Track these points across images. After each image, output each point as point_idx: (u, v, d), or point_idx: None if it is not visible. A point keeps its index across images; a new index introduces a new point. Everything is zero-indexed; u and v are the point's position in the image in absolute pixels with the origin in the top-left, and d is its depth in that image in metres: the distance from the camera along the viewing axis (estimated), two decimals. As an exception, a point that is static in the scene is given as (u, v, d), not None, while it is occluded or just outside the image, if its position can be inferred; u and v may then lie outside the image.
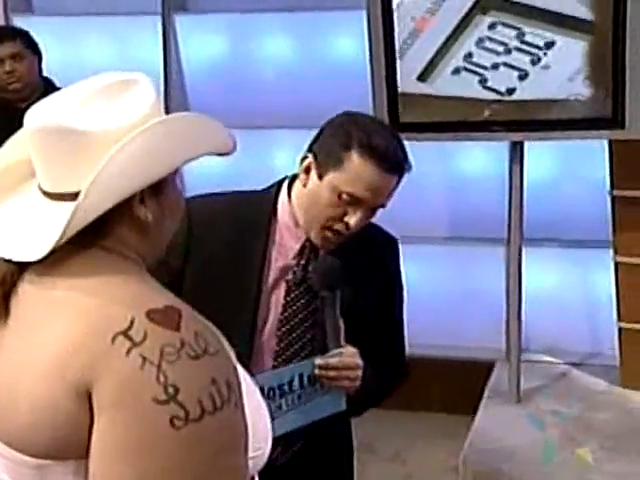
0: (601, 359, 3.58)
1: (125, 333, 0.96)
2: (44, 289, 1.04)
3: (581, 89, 2.78)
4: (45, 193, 1.06)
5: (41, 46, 3.49)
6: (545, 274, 3.72)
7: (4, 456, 1.02)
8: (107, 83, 1.06)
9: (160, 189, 1.08)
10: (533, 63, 2.82)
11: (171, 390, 0.94)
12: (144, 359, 0.95)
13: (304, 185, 1.67)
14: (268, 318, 1.71)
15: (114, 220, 1.05)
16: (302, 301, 1.71)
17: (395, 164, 1.63)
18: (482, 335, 3.81)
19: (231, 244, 1.70)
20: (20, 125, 1.10)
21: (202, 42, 4.11)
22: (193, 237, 1.69)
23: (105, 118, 1.03)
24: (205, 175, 4.03)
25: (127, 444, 0.93)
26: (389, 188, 1.64)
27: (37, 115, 1.04)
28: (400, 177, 1.65)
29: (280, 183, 1.76)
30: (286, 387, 1.61)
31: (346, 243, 1.68)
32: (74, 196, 1.00)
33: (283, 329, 1.71)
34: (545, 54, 2.79)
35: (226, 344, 1.07)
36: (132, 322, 0.97)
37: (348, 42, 3.82)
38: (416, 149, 3.31)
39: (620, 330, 3.28)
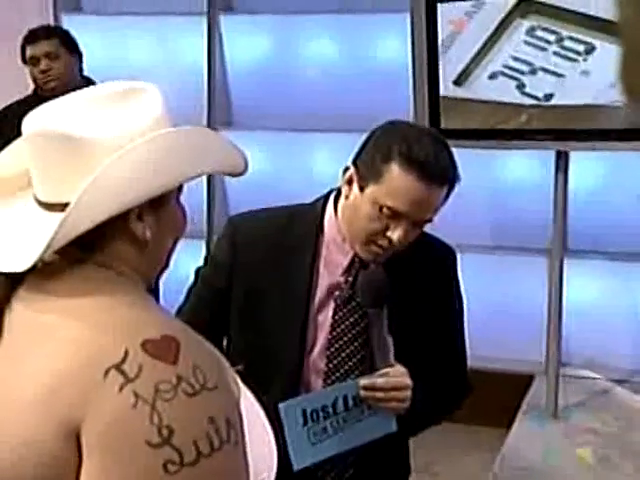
0: (644, 376, 3.49)
1: (118, 367, 0.89)
2: (34, 310, 0.99)
3: (620, 96, 2.69)
4: (40, 202, 1.01)
5: (89, 45, 3.51)
6: (589, 286, 3.63)
7: None
8: (111, 91, 1.01)
9: (160, 205, 1.01)
10: (573, 68, 2.74)
11: (165, 432, 0.87)
12: (137, 397, 0.88)
13: (346, 197, 1.60)
14: (317, 338, 1.65)
15: (110, 235, 0.99)
16: (351, 319, 1.65)
17: (438, 176, 1.51)
18: (523, 347, 3.73)
19: (278, 262, 1.65)
20: None
21: (247, 43, 4.10)
22: (238, 257, 1.65)
23: (105, 126, 0.97)
24: (246, 175, 4.02)
25: None
26: (434, 201, 1.53)
27: (34, 120, 0.99)
28: (450, 189, 1.55)
29: (327, 196, 1.69)
30: (330, 409, 1.55)
31: (399, 255, 1.59)
32: (64, 207, 0.94)
33: (332, 349, 1.65)
34: (585, 60, 2.71)
35: (230, 373, 1.01)
36: (126, 354, 0.90)
37: (392, 45, 3.77)
38: (459, 156, 3.28)
39: (664, 347, 3.19)
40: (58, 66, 3.26)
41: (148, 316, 0.98)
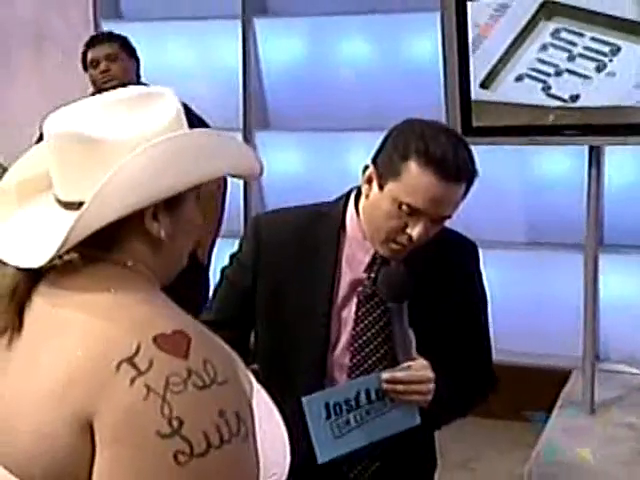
0: (683, 371, 3.46)
1: (130, 360, 0.92)
2: (52, 305, 1.02)
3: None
4: (59, 202, 1.04)
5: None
6: (626, 282, 3.61)
7: None
8: (130, 95, 1.05)
9: (176, 205, 1.04)
10: (598, 70, 2.74)
11: (175, 423, 0.90)
12: (148, 389, 0.90)
13: (366, 196, 1.63)
14: (341, 334, 1.69)
15: (126, 234, 1.02)
16: (374, 315, 1.68)
17: (456, 172, 1.53)
18: (560, 342, 3.72)
19: (301, 261, 1.68)
20: None
21: (281, 45, 4.15)
22: (262, 255, 1.69)
23: (122, 128, 1.00)
24: (282, 176, 4.07)
25: (128, 479, 0.90)
26: (452, 198, 1.56)
27: (55, 122, 1.03)
28: (468, 186, 1.57)
29: (348, 194, 1.72)
30: (353, 402, 1.57)
31: (421, 250, 1.62)
32: (81, 205, 0.98)
33: (355, 344, 1.68)
34: (611, 60, 2.71)
35: (243, 370, 1.03)
36: (138, 348, 0.93)
37: (426, 43, 3.79)
38: (493, 153, 3.29)
39: (703, 341, 3.16)
40: (117, 68, 3.31)
41: (161, 312, 1.00)
